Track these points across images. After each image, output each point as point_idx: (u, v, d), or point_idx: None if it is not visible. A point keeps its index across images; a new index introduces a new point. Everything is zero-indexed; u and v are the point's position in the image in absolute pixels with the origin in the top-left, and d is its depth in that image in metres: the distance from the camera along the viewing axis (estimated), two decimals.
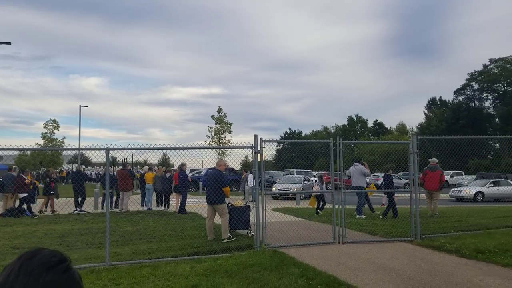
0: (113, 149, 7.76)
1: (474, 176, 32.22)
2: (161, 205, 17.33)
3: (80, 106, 41.83)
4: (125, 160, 22.19)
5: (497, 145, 57.33)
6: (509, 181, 25.47)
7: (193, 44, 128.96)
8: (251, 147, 8.38)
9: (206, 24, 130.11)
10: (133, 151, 10.85)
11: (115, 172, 17.30)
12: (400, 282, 6.02)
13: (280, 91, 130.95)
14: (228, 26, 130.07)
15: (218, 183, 9.39)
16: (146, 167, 21.35)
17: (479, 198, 23.52)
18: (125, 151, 8.33)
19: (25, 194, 14.81)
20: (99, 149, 7.50)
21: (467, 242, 8.51)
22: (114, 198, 17.14)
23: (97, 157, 7.77)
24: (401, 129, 78.73)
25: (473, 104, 71.03)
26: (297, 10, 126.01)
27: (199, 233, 10.26)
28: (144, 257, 7.75)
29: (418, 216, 9.37)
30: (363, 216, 13.47)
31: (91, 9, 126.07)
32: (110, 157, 7.77)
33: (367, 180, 14.42)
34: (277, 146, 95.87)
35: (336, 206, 9.50)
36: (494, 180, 25.50)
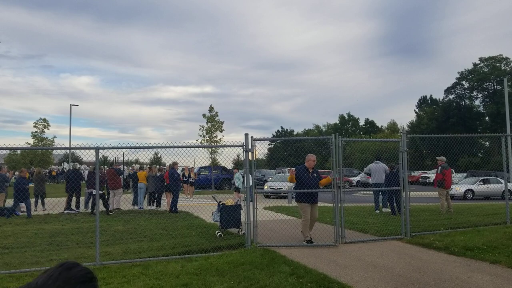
0: (103, 148, 7.72)
1: (465, 174, 32.51)
2: (153, 204, 17.28)
3: (70, 105, 41.55)
4: (116, 159, 22.07)
5: (487, 143, 57.91)
6: (499, 179, 25.74)
7: (185, 43, 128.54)
8: (242, 146, 8.38)
9: (198, 23, 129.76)
10: (124, 150, 10.79)
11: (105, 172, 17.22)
12: (389, 280, 6.07)
13: (273, 90, 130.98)
14: (220, 25, 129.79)
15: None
16: (136, 166, 21.27)
17: (469, 195, 23.75)
18: (116, 150, 8.29)
19: None
20: (89, 148, 7.46)
21: (456, 240, 8.60)
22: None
23: (88, 156, 7.71)
24: (392, 127, 79.14)
25: (463, 102, 71.62)
26: (289, 9, 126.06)
27: (190, 232, 10.26)
28: (134, 256, 7.74)
29: (408, 214, 9.44)
30: (389, 210, 14.17)
31: (83, 8, 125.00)
32: (101, 156, 7.73)
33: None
34: (269, 144, 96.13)
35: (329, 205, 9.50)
36: (483, 178, 25.77)
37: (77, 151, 8.79)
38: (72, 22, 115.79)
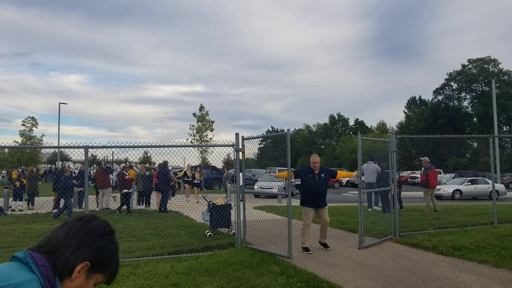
0: (93, 147, 7.67)
1: (453, 175, 32.83)
2: (142, 204, 17.19)
3: (59, 103, 41.16)
4: (105, 158, 21.92)
5: (475, 144, 58.51)
6: (486, 179, 26.03)
7: (176, 42, 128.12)
8: (232, 146, 8.38)
9: (190, 22, 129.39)
10: (114, 149, 10.73)
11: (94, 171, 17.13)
12: (378, 279, 6.11)
13: (264, 89, 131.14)
14: (212, 25, 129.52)
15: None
16: (123, 165, 21.11)
17: (457, 196, 23.99)
18: (105, 149, 8.24)
19: None
20: (78, 147, 7.40)
21: (444, 239, 8.69)
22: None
23: (77, 155, 7.65)
24: (382, 128, 79.60)
25: (451, 103, 72.31)
26: (281, 10, 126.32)
27: (180, 232, 10.22)
28: (124, 256, 7.68)
29: (397, 214, 9.51)
30: (379, 208, 14.61)
31: (73, 6, 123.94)
32: (90, 155, 7.68)
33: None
34: (259, 144, 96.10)
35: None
36: (471, 178, 26.05)
37: (66, 150, 8.71)
38: (62, 21, 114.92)
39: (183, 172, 21.99)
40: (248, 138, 8.78)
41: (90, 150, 7.68)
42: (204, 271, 6.56)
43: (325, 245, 8.40)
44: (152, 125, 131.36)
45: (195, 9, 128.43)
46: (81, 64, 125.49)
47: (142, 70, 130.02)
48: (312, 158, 8.57)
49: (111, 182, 17.59)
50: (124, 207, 14.88)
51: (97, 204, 17.06)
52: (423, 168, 14.06)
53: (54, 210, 15.16)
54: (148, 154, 46.94)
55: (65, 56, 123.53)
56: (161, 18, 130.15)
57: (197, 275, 6.32)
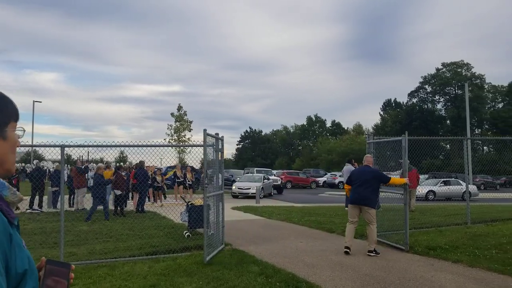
0: (69, 146, 7.51)
1: (426, 176, 33.51)
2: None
3: (33, 101, 40.29)
4: (81, 158, 21.50)
5: (448, 146, 59.90)
6: (459, 180, 26.67)
7: (154, 42, 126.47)
8: (212, 146, 8.33)
9: (169, 21, 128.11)
10: (89, 148, 10.52)
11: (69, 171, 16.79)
12: (356, 279, 6.18)
13: (242, 90, 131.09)
14: (191, 24, 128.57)
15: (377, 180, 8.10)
16: (101, 164, 20.68)
17: (431, 196, 24.49)
18: (80, 148, 8.08)
19: None
20: (54, 145, 7.23)
21: (419, 239, 8.86)
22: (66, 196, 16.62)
23: (52, 154, 7.47)
24: (358, 129, 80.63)
25: (426, 106, 73.82)
26: (260, 11, 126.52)
27: (157, 233, 10.12)
28: (100, 257, 7.57)
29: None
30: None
31: (49, 3, 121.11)
32: (64, 154, 7.51)
33: None
34: (237, 145, 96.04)
35: None
36: (445, 179, 26.65)
37: (40, 148, 8.51)
38: (38, 18, 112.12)
39: (172, 172, 21.36)
40: (212, 137, 8.75)
41: (65, 149, 7.52)
42: (183, 271, 6.52)
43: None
44: (129, 125, 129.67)
45: (174, 8, 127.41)
46: (56, 62, 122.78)
47: (119, 69, 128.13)
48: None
49: (88, 182, 17.25)
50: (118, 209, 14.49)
51: (70, 204, 16.74)
52: (402, 170, 14.35)
53: (28, 210, 14.81)
54: (125, 154, 46.26)
55: (40, 53, 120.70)
56: (139, 17, 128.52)
57: (176, 275, 6.27)
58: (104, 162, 18.04)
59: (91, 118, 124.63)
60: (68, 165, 19.98)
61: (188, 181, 19.51)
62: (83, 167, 16.86)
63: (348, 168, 15.68)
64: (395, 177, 8.49)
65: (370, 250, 7.83)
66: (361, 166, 8.57)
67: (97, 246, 8.47)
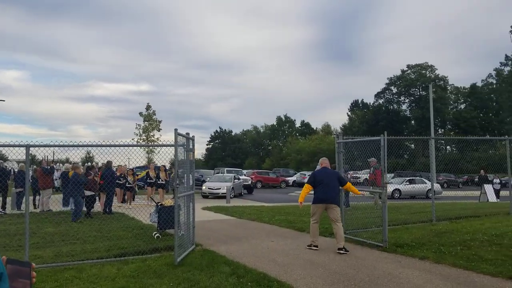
0: (34, 145, 7.27)
1: (392, 175, 34.29)
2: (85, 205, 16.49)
3: None
4: (46, 158, 20.85)
5: (412, 145, 61.54)
6: (423, 179, 27.44)
7: (121, 39, 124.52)
8: (182, 145, 8.24)
9: (135, 18, 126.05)
10: (55, 148, 10.22)
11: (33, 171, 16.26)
12: (327, 277, 6.26)
13: (210, 90, 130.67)
14: (159, 22, 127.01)
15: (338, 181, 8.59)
16: (67, 164, 20.15)
17: (396, 195, 25.10)
18: (46, 148, 7.83)
19: None
20: (19, 145, 6.97)
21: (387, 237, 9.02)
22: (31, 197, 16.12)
23: (16, 154, 7.21)
24: (326, 129, 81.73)
25: (391, 107, 75.61)
26: (229, 10, 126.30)
27: (126, 234, 9.93)
28: (67, 259, 7.36)
29: (343, 213, 9.78)
30: None
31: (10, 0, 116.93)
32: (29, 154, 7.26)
33: None
34: (206, 145, 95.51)
35: None
36: (410, 178, 27.36)
37: (4, 148, 8.20)
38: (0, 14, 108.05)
39: (145, 172, 20.78)
40: (182, 135, 8.69)
41: (30, 149, 7.27)
42: (152, 273, 6.42)
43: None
44: (95, 124, 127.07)
45: (142, 6, 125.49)
46: (20, 60, 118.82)
47: (86, 67, 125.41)
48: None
49: (54, 183, 16.78)
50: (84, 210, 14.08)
51: (34, 205, 16.26)
52: (372, 168, 14.66)
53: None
54: (91, 154, 45.23)
55: (3, 51, 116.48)
56: (106, 14, 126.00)
57: (145, 277, 6.18)
58: (72, 163, 17.60)
59: (57, 118, 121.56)
60: (34, 165, 19.31)
61: (162, 180, 18.98)
62: (49, 167, 16.34)
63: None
64: (349, 183, 9.06)
65: (340, 248, 7.98)
66: (323, 168, 8.86)
67: (63, 248, 8.24)
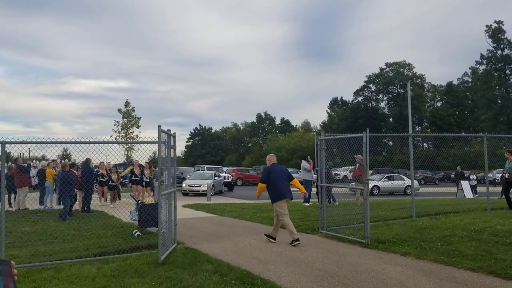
0: (10, 142, 7.03)
1: (371, 172, 34.71)
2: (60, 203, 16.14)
3: None
4: (21, 155, 20.31)
5: (390, 142, 62.40)
6: (401, 175, 27.86)
7: (99, 35, 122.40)
8: (164, 142, 8.12)
9: (115, 14, 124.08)
10: (31, 145, 9.97)
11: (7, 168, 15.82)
12: (310, 273, 6.25)
13: (191, 87, 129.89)
14: (138, 18, 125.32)
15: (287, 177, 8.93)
16: (44, 162, 19.68)
17: (375, 191, 25.40)
18: (21, 145, 7.60)
19: None
20: None
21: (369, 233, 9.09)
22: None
23: None
24: (306, 127, 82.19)
25: (370, 104, 76.49)
26: (210, 7, 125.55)
27: (105, 233, 9.75)
28: (44, 259, 7.18)
29: (325, 209, 9.82)
30: (307, 204, 15.57)
31: None
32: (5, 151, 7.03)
33: (313, 175, 16.34)
34: (186, 142, 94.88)
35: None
36: (388, 175, 27.73)
37: None
38: None
39: (129, 169, 20.37)
40: (165, 131, 8.57)
41: (6, 146, 7.05)
42: (134, 272, 6.31)
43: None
44: (73, 121, 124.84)
45: (120, 1, 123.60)
46: None
47: (63, 63, 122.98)
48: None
49: (31, 180, 16.37)
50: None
51: (10, 204, 15.86)
52: (357, 164, 14.91)
53: None
54: (68, 151, 44.38)
55: None
56: (84, 9, 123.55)
57: (126, 276, 6.06)
58: (50, 160, 17.21)
59: (33, 114, 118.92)
60: (10, 163, 18.77)
61: (146, 178, 18.65)
62: (25, 165, 15.93)
63: (303, 164, 16.40)
64: (296, 179, 9.37)
65: (297, 239, 8.32)
66: (273, 165, 9.08)
67: (41, 248, 8.03)
